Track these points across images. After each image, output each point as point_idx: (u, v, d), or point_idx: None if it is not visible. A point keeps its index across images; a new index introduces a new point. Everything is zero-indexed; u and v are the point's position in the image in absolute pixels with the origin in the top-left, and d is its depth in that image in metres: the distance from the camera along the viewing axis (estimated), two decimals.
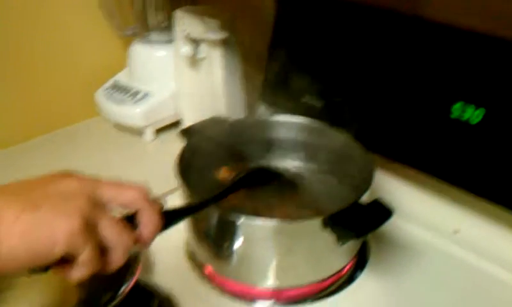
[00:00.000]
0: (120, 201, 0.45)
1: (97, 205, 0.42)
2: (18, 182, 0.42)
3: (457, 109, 0.65)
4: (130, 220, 0.46)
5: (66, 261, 0.41)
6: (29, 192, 0.41)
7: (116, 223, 0.43)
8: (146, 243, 0.46)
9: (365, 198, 0.62)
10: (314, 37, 0.83)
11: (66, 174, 0.44)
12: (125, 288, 0.58)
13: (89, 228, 0.40)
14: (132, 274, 0.60)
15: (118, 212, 0.46)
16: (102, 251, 0.42)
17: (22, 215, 0.38)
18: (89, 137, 1.05)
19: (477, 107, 0.64)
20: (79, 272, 0.41)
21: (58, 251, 0.39)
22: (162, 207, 0.48)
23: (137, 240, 0.45)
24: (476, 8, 0.65)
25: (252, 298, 0.65)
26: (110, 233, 0.42)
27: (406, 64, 0.71)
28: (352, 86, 0.77)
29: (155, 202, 0.47)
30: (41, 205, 0.39)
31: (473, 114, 0.64)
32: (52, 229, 0.39)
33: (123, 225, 0.44)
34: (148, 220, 0.46)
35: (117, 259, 0.43)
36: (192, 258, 0.71)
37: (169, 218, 0.49)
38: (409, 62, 0.70)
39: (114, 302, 0.56)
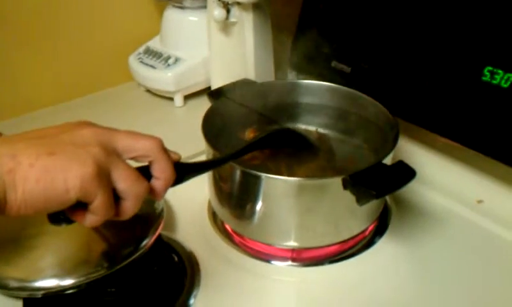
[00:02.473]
0: (135, 151, 0.45)
1: (111, 154, 0.43)
2: (35, 130, 0.43)
3: (487, 73, 0.63)
4: (145, 171, 0.46)
5: (81, 207, 0.42)
6: (44, 139, 0.41)
7: (130, 172, 0.43)
8: (159, 194, 0.46)
9: (388, 162, 0.61)
10: (343, 2, 0.81)
11: (82, 123, 0.44)
12: (147, 242, 0.60)
13: (103, 175, 0.41)
14: (155, 229, 0.61)
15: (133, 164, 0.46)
16: (116, 199, 0.43)
17: (38, 161, 0.39)
18: (121, 102, 1.07)
19: (506, 72, 0.61)
20: (93, 218, 0.42)
21: (72, 196, 0.40)
22: (178, 159, 0.48)
23: (150, 191, 0.45)
24: None
25: (271, 257, 0.65)
26: (123, 181, 0.42)
27: (433, 27, 0.69)
28: (380, 51, 0.76)
29: (170, 154, 0.47)
30: (56, 152, 0.40)
31: (502, 79, 0.62)
32: (66, 174, 0.39)
33: (136, 174, 0.43)
34: (161, 171, 0.45)
35: (130, 207, 0.44)
36: (213, 216, 0.72)
37: (183, 171, 0.48)
38: (437, 24, 0.68)
39: (136, 255, 0.58)
